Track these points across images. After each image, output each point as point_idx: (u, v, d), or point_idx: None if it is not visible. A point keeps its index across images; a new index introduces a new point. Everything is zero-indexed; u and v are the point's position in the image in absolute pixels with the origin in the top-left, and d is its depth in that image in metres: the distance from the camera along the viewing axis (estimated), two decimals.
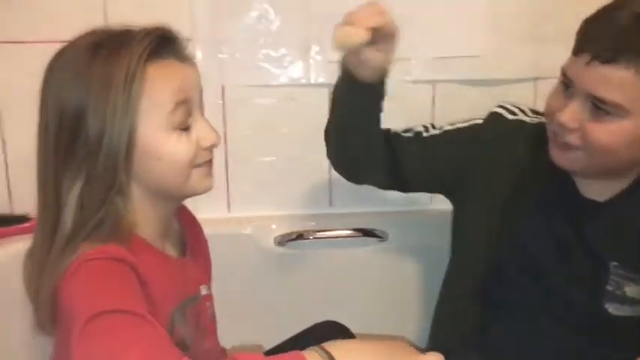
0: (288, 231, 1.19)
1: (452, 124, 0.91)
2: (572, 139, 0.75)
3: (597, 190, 0.80)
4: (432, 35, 1.17)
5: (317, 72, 1.18)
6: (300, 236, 1.19)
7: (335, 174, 1.24)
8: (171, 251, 0.74)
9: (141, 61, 0.62)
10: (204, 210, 1.24)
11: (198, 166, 0.68)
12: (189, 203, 1.22)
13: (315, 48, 1.18)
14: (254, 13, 1.16)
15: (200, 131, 0.68)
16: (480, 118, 0.89)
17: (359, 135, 0.85)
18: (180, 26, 1.13)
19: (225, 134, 1.22)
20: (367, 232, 1.20)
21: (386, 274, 1.21)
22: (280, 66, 1.18)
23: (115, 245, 0.61)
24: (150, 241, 0.69)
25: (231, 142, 1.23)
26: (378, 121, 0.86)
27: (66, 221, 0.62)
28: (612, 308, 0.79)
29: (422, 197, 1.23)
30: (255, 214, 1.24)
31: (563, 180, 0.80)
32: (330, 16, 1.15)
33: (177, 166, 0.66)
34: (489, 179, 0.85)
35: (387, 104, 1.25)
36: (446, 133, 0.89)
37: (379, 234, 1.20)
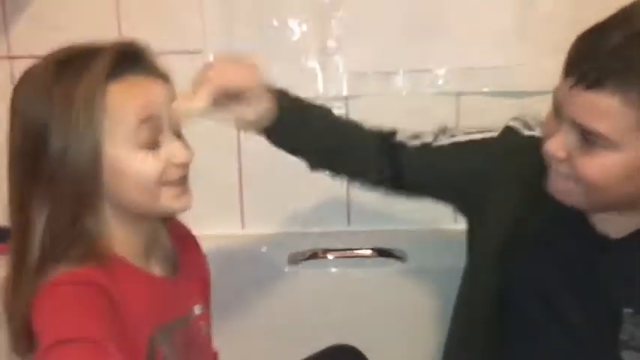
0: (302, 249, 1.15)
1: (465, 133, 0.83)
2: (563, 168, 0.67)
3: (612, 225, 0.71)
4: (458, 45, 1.11)
5: (337, 84, 1.14)
6: (314, 255, 1.15)
7: (353, 191, 1.20)
8: (157, 270, 0.71)
9: (101, 79, 0.61)
10: (218, 226, 1.22)
11: (169, 184, 0.66)
12: (204, 218, 1.21)
13: (334, 60, 1.14)
14: (267, 25, 1.13)
15: (171, 148, 0.65)
16: (496, 131, 0.81)
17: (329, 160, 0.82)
18: (192, 38, 1.15)
19: (240, 149, 1.19)
20: (385, 253, 1.14)
21: (404, 297, 1.14)
22: (297, 78, 1.14)
23: (87, 268, 0.60)
24: (130, 260, 0.67)
25: (245, 157, 1.20)
26: (328, 135, 0.81)
27: (35, 244, 0.61)
28: (629, 358, 0.70)
29: (445, 216, 1.16)
30: (270, 232, 1.20)
31: (575, 210, 0.72)
32: (350, 29, 1.14)
33: (144, 185, 0.64)
34: (497, 200, 0.78)
35: (410, 117, 1.21)
36: (455, 145, 0.82)
37: (398, 254, 1.14)
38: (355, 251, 1.15)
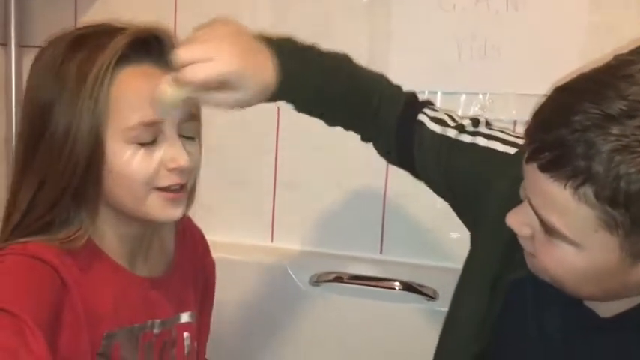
0: (327, 271, 1.08)
1: (490, 137, 0.70)
2: (528, 245, 0.55)
3: (598, 304, 0.58)
4: (516, 70, 1.01)
5: None
6: (338, 279, 1.07)
7: (390, 217, 1.12)
8: (143, 270, 0.68)
9: (112, 62, 0.58)
10: (248, 236, 1.19)
11: (160, 189, 0.61)
12: (234, 225, 1.18)
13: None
14: (317, 32, 1.09)
15: (167, 151, 0.61)
16: (518, 146, 0.68)
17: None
18: None
19: (277, 158, 1.16)
20: (414, 289, 1.04)
21: (426, 339, 1.02)
22: None
23: (46, 244, 0.58)
24: (112, 256, 0.64)
25: (281, 166, 1.16)
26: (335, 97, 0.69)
27: (19, 210, 0.60)
28: None
29: None
30: (298, 248, 1.15)
31: None
32: (400, 44, 1.08)
33: (129, 183, 0.60)
34: (491, 230, 0.65)
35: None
36: (471, 148, 0.69)
37: (428, 292, 1.03)
38: (382, 282, 1.06)
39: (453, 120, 0.73)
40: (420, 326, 1.04)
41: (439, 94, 1.06)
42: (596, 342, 0.58)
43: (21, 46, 1.21)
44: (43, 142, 0.60)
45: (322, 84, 0.67)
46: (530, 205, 0.52)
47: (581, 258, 0.50)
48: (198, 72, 0.56)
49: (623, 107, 0.46)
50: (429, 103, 0.75)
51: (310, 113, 0.71)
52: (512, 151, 0.68)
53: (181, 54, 0.57)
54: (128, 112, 0.59)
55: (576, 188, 0.47)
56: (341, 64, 0.71)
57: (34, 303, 0.53)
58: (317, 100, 0.68)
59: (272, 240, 1.18)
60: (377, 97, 0.72)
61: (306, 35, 1.12)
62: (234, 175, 1.17)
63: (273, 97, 0.64)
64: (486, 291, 0.64)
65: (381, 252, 1.13)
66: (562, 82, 0.52)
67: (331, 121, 0.73)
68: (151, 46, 0.61)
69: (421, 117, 0.73)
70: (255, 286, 1.11)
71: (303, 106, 0.69)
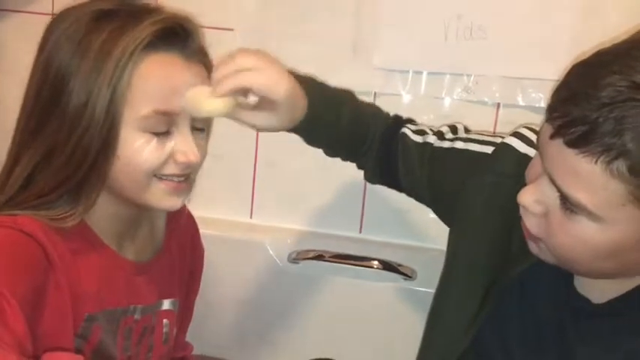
0: (306, 249, 1.08)
1: (466, 140, 0.72)
2: (534, 225, 0.54)
3: (592, 287, 0.58)
4: (501, 52, 1.01)
5: (364, 77, 1.06)
6: (319, 257, 1.07)
7: (370, 197, 1.12)
8: (129, 253, 0.67)
9: (141, 45, 0.56)
10: (226, 212, 1.18)
11: (164, 178, 0.60)
12: (214, 200, 1.17)
13: (361, 53, 1.06)
14: (302, 11, 1.07)
15: (179, 144, 0.59)
16: (494, 144, 0.70)
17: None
18: (224, 15, 1.11)
19: (257, 135, 1.14)
20: (392, 268, 1.04)
21: (407, 319, 1.04)
22: (326, 66, 1.08)
23: (35, 219, 0.56)
24: (100, 235, 0.63)
25: (262, 143, 1.14)
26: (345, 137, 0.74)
27: (12, 186, 0.58)
28: None
29: None
30: (277, 225, 1.14)
31: None
32: (387, 22, 1.06)
33: (135, 171, 0.58)
34: (477, 227, 0.66)
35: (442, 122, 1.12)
36: (449, 152, 0.72)
37: (406, 271, 1.04)
38: (361, 261, 1.06)
39: (432, 129, 0.77)
40: (398, 305, 1.05)
41: (424, 74, 1.06)
42: (589, 329, 0.59)
43: None
44: (55, 114, 0.57)
45: (335, 122, 0.71)
46: (553, 181, 0.51)
47: (602, 233, 0.50)
48: (246, 77, 0.58)
49: None
50: (411, 121, 0.80)
51: (318, 146, 0.76)
52: (489, 149, 0.70)
53: (236, 57, 0.58)
54: (145, 100, 0.57)
55: (609, 163, 0.47)
56: (347, 101, 0.75)
57: (16, 279, 0.52)
58: (327, 135, 0.73)
59: (251, 216, 1.18)
60: (367, 127, 0.76)
61: (291, 15, 1.11)
62: (215, 151, 1.14)
63: (293, 129, 0.68)
64: (479, 293, 0.65)
65: (360, 231, 1.13)
66: (580, 59, 0.51)
67: (332, 153, 0.78)
68: (177, 35, 0.59)
69: (404, 130, 0.77)
70: (234, 262, 1.10)
71: (314, 141, 0.74)
